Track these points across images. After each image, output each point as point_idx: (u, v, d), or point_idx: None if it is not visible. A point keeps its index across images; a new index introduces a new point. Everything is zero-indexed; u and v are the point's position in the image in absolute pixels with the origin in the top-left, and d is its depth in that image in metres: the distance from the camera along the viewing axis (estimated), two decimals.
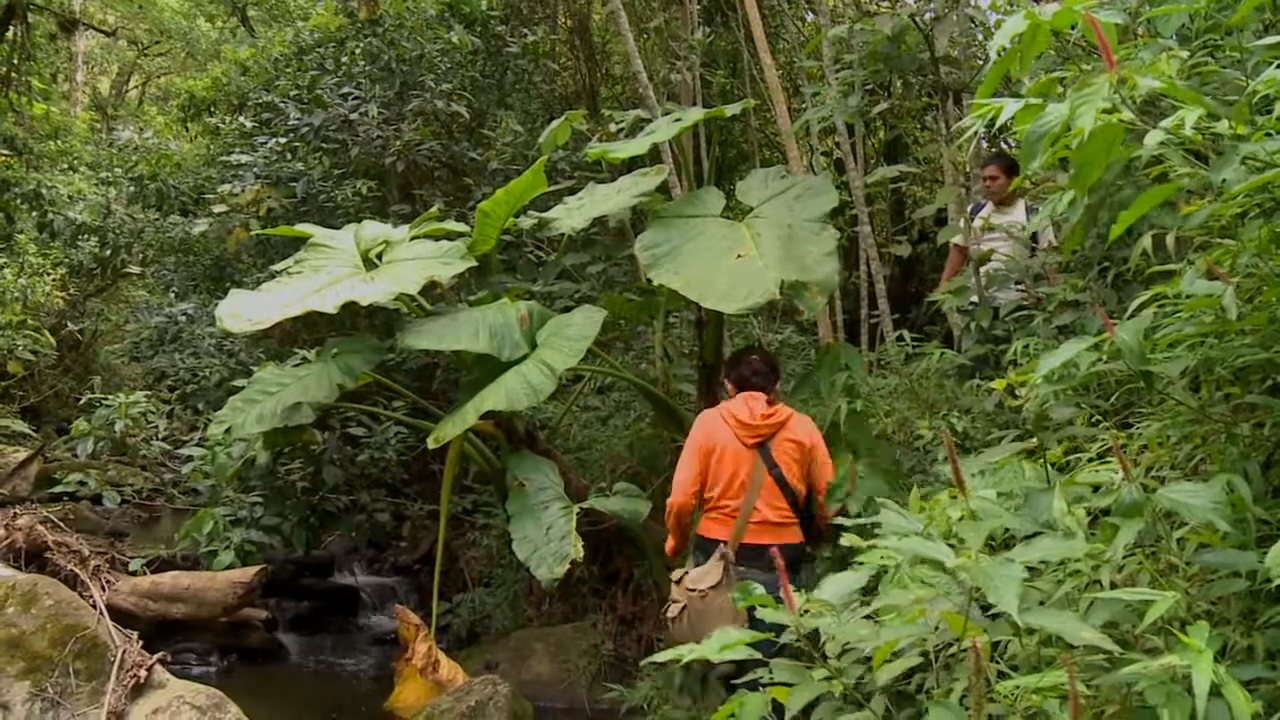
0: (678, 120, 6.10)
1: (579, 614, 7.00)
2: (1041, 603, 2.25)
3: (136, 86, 26.00)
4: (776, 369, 4.73)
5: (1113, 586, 2.22)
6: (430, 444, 5.71)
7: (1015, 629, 2.11)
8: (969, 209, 6.18)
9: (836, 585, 2.23)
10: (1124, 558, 2.28)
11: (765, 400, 4.52)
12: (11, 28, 12.92)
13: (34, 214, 12.44)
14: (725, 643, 1.98)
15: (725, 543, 4.33)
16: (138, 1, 21.16)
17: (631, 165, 7.09)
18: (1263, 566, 2.08)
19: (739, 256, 5.26)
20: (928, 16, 5.92)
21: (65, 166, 15.00)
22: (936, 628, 2.20)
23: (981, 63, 7.00)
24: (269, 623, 7.80)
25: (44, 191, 12.30)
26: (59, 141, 15.24)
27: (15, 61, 13.42)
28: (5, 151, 12.69)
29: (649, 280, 5.57)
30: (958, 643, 2.13)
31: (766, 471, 4.37)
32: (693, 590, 4.23)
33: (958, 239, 6.27)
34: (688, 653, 2.06)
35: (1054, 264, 5.21)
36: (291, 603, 8.47)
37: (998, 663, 2.39)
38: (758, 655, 2.25)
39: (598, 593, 7.06)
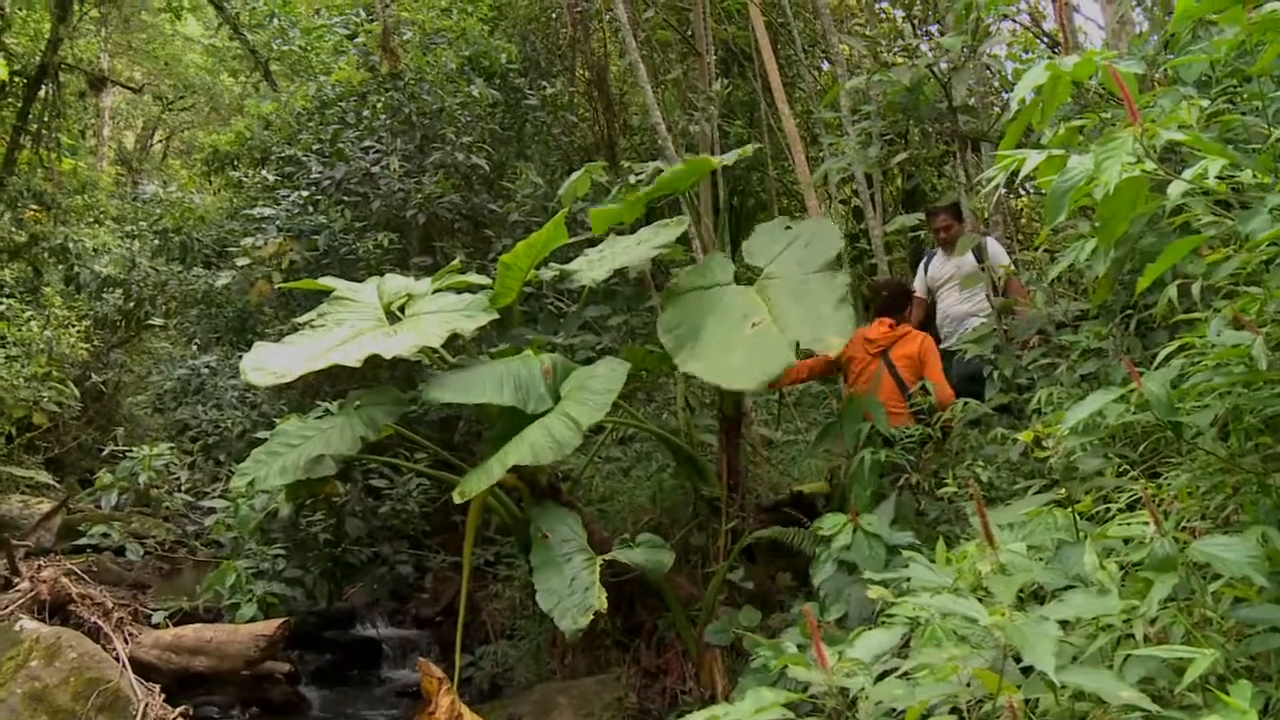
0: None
1: (602, 667, 6.93)
2: (1075, 658, 2.22)
3: (161, 141, 26.35)
4: (899, 299, 6.46)
5: (1146, 641, 2.19)
6: (456, 498, 5.69)
7: (1050, 685, 2.08)
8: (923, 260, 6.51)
9: (869, 643, 2.20)
10: (1157, 611, 2.25)
11: (889, 324, 6.07)
12: (44, 87, 13.14)
13: (61, 267, 12.60)
14: (760, 705, 1.96)
15: None
16: (164, 58, 21.55)
17: (650, 216, 7.12)
18: None
19: (754, 325, 5.25)
20: (944, 66, 5.94)
21: (91, 220, 15.16)
22: (969, 684, 2.16)
23: (999, 110, 7.02)
24: (291, 676, 7.74)
25: (70, 245, 12.46)
26: (85, 196, 15.43)
27: (46, 119, 13.64)
28: (35, 207, 12.88)
29: None
30: (992, 699, 2.10)
31: (886, 370, 5.91)
32: None
33: (916, 287, 7.00)
34: (722, 715, 2.03)
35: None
36: (313, 655, 8.43)
37: (1031, 718, 2.35)
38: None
39: (621, 645, 6.99)
